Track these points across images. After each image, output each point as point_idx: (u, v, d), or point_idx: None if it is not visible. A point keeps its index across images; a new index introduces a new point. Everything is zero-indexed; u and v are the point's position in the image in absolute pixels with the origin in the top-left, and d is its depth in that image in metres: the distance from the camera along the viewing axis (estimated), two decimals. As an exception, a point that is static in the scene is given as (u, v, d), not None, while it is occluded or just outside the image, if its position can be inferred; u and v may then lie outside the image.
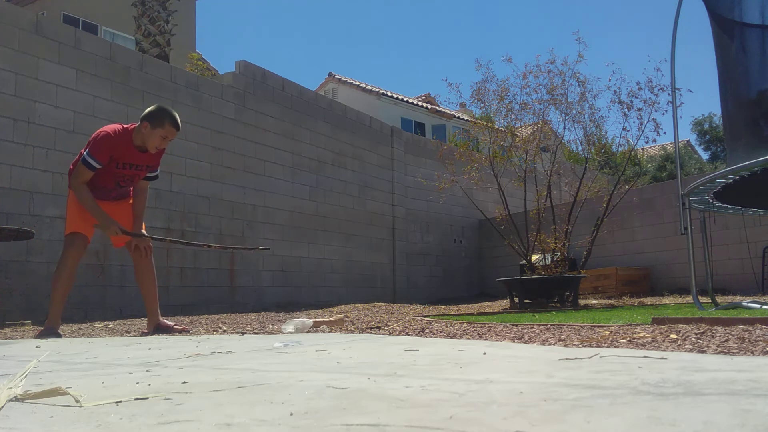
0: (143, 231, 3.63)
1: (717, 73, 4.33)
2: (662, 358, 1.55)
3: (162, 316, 3.76)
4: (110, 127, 3.44)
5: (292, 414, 0.99)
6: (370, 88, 19.69)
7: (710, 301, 4.64)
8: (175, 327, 3.68)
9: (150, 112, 3.39)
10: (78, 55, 5.85)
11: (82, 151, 3.46)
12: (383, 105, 18.84)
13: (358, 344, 2.36)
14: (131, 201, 3.68)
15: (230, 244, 7.08)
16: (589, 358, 1.61)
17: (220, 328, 3.95)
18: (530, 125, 7.41)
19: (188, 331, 3.65)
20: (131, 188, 3.68)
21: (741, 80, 4.27)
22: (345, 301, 7.87)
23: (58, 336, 3.40)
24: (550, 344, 2.18)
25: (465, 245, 11.19)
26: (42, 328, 3.60)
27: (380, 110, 17.53)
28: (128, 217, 3.61)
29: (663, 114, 7.81)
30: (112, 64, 6.14)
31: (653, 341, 2.02)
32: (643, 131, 6.49)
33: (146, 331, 3.71)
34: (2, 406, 1.12)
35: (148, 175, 3.65)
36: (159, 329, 3.61)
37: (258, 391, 1.24)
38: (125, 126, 3.48)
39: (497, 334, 2.65)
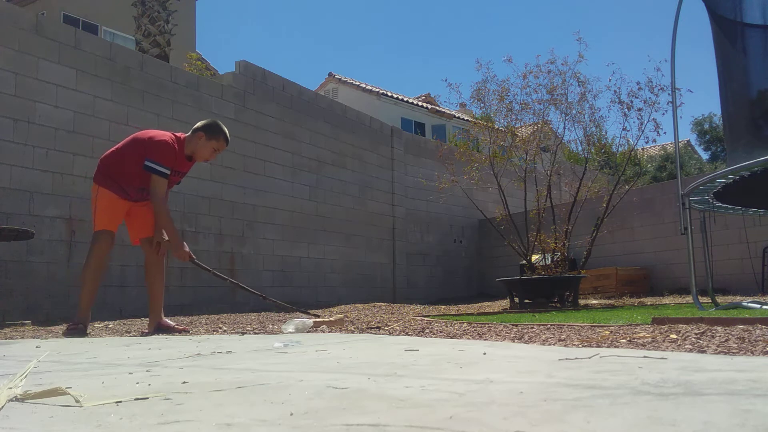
0: (186, 248, 3.65)
1: (717, 73, 4.33)
2: (662, 358, 1.55)
3: (164, 316, 3.78)
4: (166, 135, 3.55)
5: (292, 414, 0.99)
6: (370, 88, 19.69)
7: (710, 301, 4.64)
8: (177, 327, 3.70)
9: (206, 125, 3.63)
10: (78, 55, 5.85)
11: (124, 150, 3.52)
12: (383, 105, 18.84)
13: (358, 344, 2.36)
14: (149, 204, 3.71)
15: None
16: (589, 358, 1.61)
17: (220, 328, 3.95)
18: (530, 125, 7.41)
19: (188, 332, 3.66)
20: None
21: (741, 80, 4.27)
22: (345, 301, 7.87)
23: (84, 335, 3.46)
24: (550, 344, 2.18)
25: (465, 245, 11.19)
26: (67, 324, 3.67)
27: (380, 110, 17.53)
28: (149, 217, 3.66)
29: (663, 114, 7.81)
30: (112, 64, 6.14)
31: (653, 341, 2.02)
32: (643, 131, 6.49)
33: (147, 330, 3.72)
34: (2, 406, 1.12)
35: None
36: (160, 329, 3.62)
37: (258, 391, 1.24)
38: (176, 134, 3.61)
39: (497, 334, 2.64)
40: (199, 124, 3.64)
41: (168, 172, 3.50)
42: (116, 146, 3.64)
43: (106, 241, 3.53)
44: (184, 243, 3.61)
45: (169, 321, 3.78)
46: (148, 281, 3.71)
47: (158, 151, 3.46)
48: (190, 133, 3.62)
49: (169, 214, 3.55)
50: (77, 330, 3.46)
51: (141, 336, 3.47)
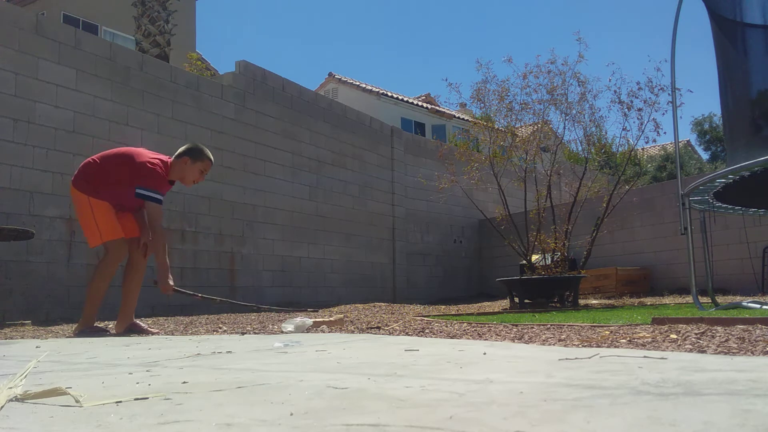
0: (170, 281, 3.71)
1: (717, 73, 4.33)
2: (662, 358, 1.55)
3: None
4: (156, 160, 3.58)
5: (292, 414, 0.99)
6: (370, 88, 19.70)
7: (710, 301, 4.64)
8: (149, 329, 3.68)
9: (189, 149, 3.69)
10: (78, 55, 5.85)
11: (108, 165, 3.54)
12: (383, 105, 18.84)
13: (358, 344, 2.36)
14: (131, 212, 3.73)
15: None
16: (589, 358, 1.61)
17: (220, 328, 3.95)
18: (530, 125, 7.41)
19: (161, 333, 3.65)
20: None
21: (741, 80, 4.27)
22: (345, 301, 7.87)
23: (105, 334, 3.54)
24: (550, 344, 2.18)
25: (465, 245, 11.19)
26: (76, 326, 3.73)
27: (380, 110, 17.53)
28: (132, 224, 3.67)
29: (663, 114, 7.81)
30: (112, 64, 6.14)
31: (653, 341, 2.02)
32: (643, 131, 6.48)
33: (116, 330, 3.67)
34: (2, 406, 1.12)
35: None
36: (132, 330, 3.61)
37: (258, 391, 1.24)
38: (163, 159, 3.65)
39: (497, 334, 2.64)
40: (181, 149, 3.70)
41: (162, 198, 3.55)
42: (99, 155, 3.62)
43: (124, 248, 3.58)
44: (170, 277, 3.66)
45: (141, 323, 3.77)
46: (126, 281, 3.68)
47: (150, 178, 3.49)
48: (174, 158, 3.67)
49: (165, 245, 3.60)
50: (96, 330, 3.60)
51: (115, 336, 3.45)
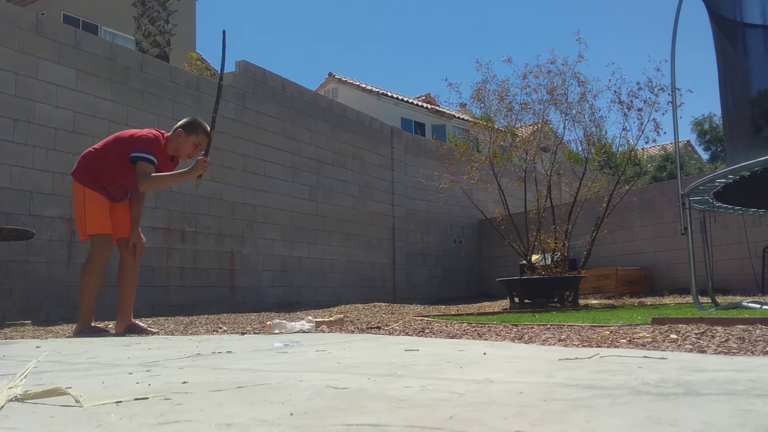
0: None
1: (717, 73, 4.33)
2: (662, 358, 1.55)
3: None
4: (152, 132, 3.59)
5: (292, 414, 0.99)
6: (370, 88, 19.69)
7: (710, 301, 4.64)
8: (149, 329, 3.68)
9: (185, 121, 3.66)
10: (78, 55, 5.85)
11: (106, 149, 3.53)
12: (383, 105, 18.84)
13: (358, 344, 2.36)
14: (128, 202, 3.71)
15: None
16: (589, 358, 1.61)
17: (220, 328, 3.95)
18: (530, 125, 7.41)
19: (160, 333, 3.65)
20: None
21: (741, 80, 4.27)
22: (345, 301, 7.87)
23: (105, 334, 3.54)
24: (550, 344, 2.18)
25: (465, 245, 11.19)
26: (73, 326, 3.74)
27: (380, 110, 17.53)
28: (126, 218, 3.65)
29: (663, 114, 7.81)
30: (112, 64, 6.14)
31: (653, 341, 2.02)
32: (643, 131, 6.49)
33: (117, 331, 3.67)
34: (2, 406, 1.12)
35: None
36: (132, 330, 3.61)
37: (258, 391, 1.24)
38: (161, 132, 3.64)
39: (497, 334, 2.64)
40: (179, 122, 3.68)
41: (155, 160, 3.49)
42: (98, 144, 3.63)
43: (107, 245, 3.54)
44: (192, 168, 3.56)
45: (141, 323, 3.77)
46: (120, 282, 3.66)
47: (146, 143, 3.48)
48: (171, 131, 3.67)
49: (161, 175, 3.54)
50: (96, 329, 3.59)
51: (115, 336, 3.45)
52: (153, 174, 3.47)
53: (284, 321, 3.59)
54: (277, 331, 3.32)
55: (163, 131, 3.68)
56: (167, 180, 3.72)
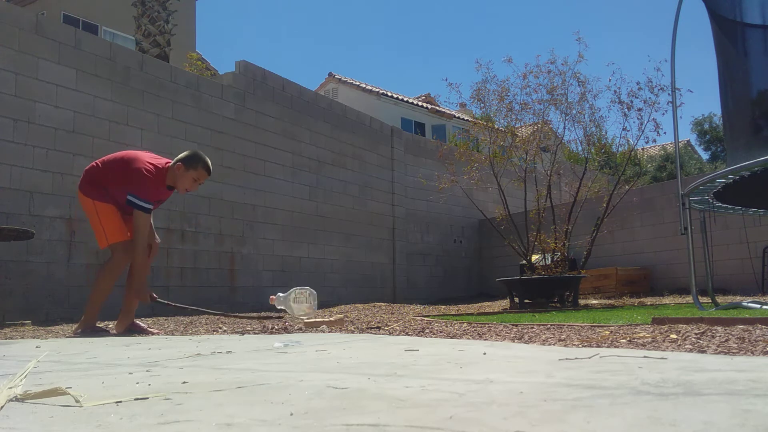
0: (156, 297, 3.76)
1: (717, 73, 4.33)
2: (662, 358, 1.55)
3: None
4: (148, 167, 3.51)
5: (292, 414, 0.99)
6: (370, 88, 19.69)
7: (710, 301, 4.64)
8: (149, 329, 3.69)
9: (186, 156, 3.62)
10: (78, 55, 5.85)
11: (110, 169, 3.55)
12: (383, 105, 18.84)
13: (358, 344, 2.36)
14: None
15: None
16: (589, 358, 1.61)
17: (220, 328, 3.95)
18: (530, 125, 7.41)
19: (161, 334, 3.66)
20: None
21: (741, 80, 4.27)
22: (345, 301, 7.87)
23: (106, 334, 3.55)
24: (550, 344, 2.18)
25: (465, 245, 11.18)
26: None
27: (380, 110, 17.52)
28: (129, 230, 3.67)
29: (663, 114, 7.81)
30: (112, 64, 6.14)
31: (653, 341, 2.02)
32: (643, 131, 6.48)
33: (116, 330, 3.69)
34: (2, 406, 1.12)
35: None
36: (133, 330, 3.63)
37: (258, 391, 1.24)
38: (158, 165, 3.58)
39: (497, 334, 2.64)
40: (180, 155, 3.64)
41: (151, 207, 3.53)
42: (102, 159, 3.63)
43: (129, 251, 3.56)
44: (148, 288, 3.66)
45: (141, 323, 3.77)
46: (128, 283, 3.68)
47: (142, 185, 3.47)
48: (172, 162, 3.63)
49: (146, 257, 3.57)
50: (97, 330, 3.60)
51: (117, 336, 3.46)
52: (144, 242, 3.50)
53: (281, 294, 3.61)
54: (279, 305, 3.33)
55: (165, 162, 3.64)
56: (141, 263, 3.57)
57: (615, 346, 1.97)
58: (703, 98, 50.30)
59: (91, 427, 0.95)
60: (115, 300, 3.84)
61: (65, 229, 5.55)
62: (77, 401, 1.12)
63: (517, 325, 2.98)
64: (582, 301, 6.67)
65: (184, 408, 1.07)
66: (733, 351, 1.73)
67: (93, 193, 3.52)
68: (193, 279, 6.63)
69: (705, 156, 22.66)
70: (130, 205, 3.47)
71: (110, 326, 3.92)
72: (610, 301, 6.80)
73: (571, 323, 2.90)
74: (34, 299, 5.26)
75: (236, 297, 7.06)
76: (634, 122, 9.38)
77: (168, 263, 6.39)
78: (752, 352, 1.69)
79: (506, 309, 6.08)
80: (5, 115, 5.27)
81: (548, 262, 6.49)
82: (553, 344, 2.16)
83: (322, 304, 7.59)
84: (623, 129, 6.81)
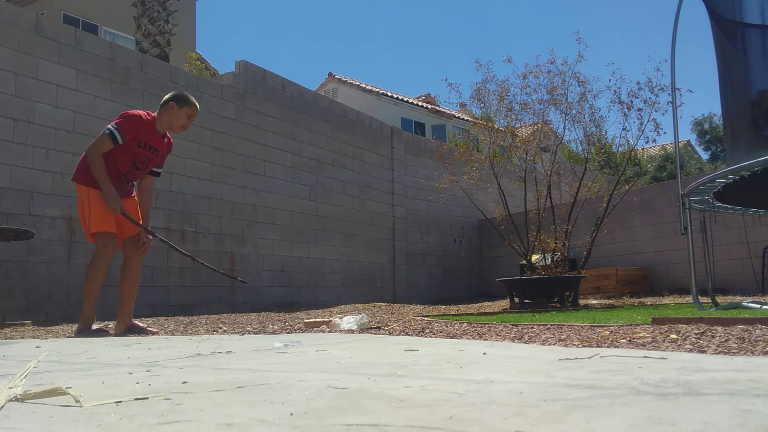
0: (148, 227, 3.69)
1: (717, 73, 4.34)
2: (662, 358, 1.55)
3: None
4: (139, 111, 3.61)
5: (292, 414, 0.99)
6: (370, 88, 19.69)
7: (710, 301, 4.64)
8: (149, 329, 3.67)
9: (175, 95, 3.67)
10: (78, 55, 5.85)
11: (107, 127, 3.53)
12: (383, 105, 18.84)
13: (358, 344, 2.36)
14: (136, 197, 3.69)
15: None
16: (589, 358, 1.61)
17: (220, 328, 3.95)
18: (530, 125, 7.41)
19: (160, 333, 3.64)
20: (135, 185, 3.70)
21: (741, 80, 4.27)
22: (345, 301, 7.87)
23: (105, 334, 3.54)
24: (550, 344, 2.18)
25: (465, 245, 11.19)
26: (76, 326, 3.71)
27: (380, 110, 17.52)
28: (135, 213, 3.62)
29: (663, 114, 7.82)
30: (112, 64, 6.14)
31: (653, 341, 2.02)
32: (643, 131, 6.48)
33: (115, 331, 3.66)
34: (2, 406, 1.12)
35: (154, 169, 3.72)
36: (132, 330, 3.60)
37: (258, 391, 1.24)
38: (151, 113, 3.63)
39: (497, 334, 2.64)
40: (167, 96, 3.67)
41: (120, 139, 3.43)
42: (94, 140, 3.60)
43: (112, 245, 3.51)
44: (119, 199, 3.44)
45: (140, 323, 3.75)
46: (122, 280, 3.65)
47: (124, 121, 3.47)
48: (159, 108, 3.62)
49: (102, 168, 3.41)
50: (97, 330, 3.59)
51: (115, 336, 3.45)
52: (100, 161, 3.40)
53: (352, 316, 3.60)
54: (352, 325, 3.33)
55: (150, 112, 3.64)
56: (101, 174, 3.42)
57: (615, 346, 1.97)
58: (703, 98, 50.38)
59: (91, 427, 0.95)
60: (115, 300, 3.83)
61: (65, 229, 5.55)
62: (77, 401, 1.12)
63: (517, 325, 2.98)
64: (582, 301, 6.67)
65: (184, 408, 1.07)
66: (733, 351, 1.73)
67: (87, 180, 3.45)
68: (193, 279, 6.63)
69: (705, 156, 22.67)
70: (104, 132, 3.43)
71: (110, 326, 3.92)
72: (610, 301, 6.80)
73: (571, 323, 2.90)
74: (34, 299, 5.26)
75: (236, 297, 7.06)
76: (634, 122, 9.41)
77: (168, 263, 6.39)
78: (752, 352, 1.69)
79: (506, 309, 6.08)
80: (5, 115, 5.27)
81: (548, 262, 6.49)
82: (553, 344, 2.16)
83: (322, 304, 7.59)
84: (623, 129, 6.81)
